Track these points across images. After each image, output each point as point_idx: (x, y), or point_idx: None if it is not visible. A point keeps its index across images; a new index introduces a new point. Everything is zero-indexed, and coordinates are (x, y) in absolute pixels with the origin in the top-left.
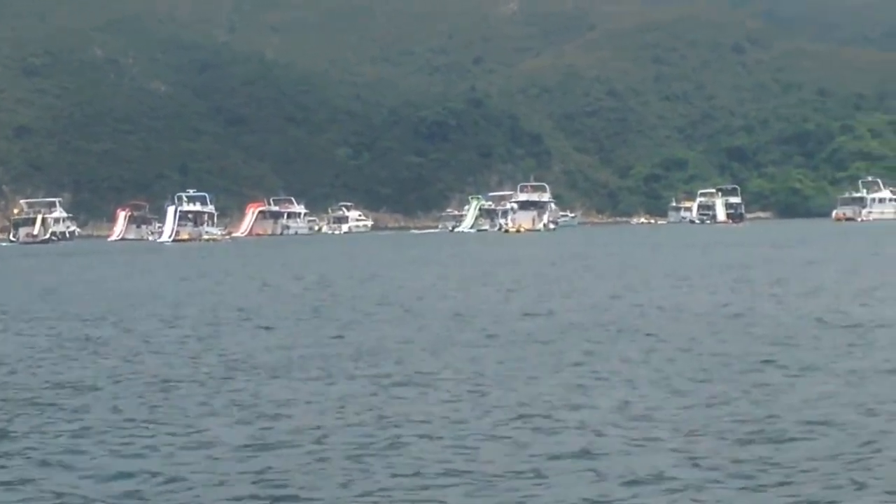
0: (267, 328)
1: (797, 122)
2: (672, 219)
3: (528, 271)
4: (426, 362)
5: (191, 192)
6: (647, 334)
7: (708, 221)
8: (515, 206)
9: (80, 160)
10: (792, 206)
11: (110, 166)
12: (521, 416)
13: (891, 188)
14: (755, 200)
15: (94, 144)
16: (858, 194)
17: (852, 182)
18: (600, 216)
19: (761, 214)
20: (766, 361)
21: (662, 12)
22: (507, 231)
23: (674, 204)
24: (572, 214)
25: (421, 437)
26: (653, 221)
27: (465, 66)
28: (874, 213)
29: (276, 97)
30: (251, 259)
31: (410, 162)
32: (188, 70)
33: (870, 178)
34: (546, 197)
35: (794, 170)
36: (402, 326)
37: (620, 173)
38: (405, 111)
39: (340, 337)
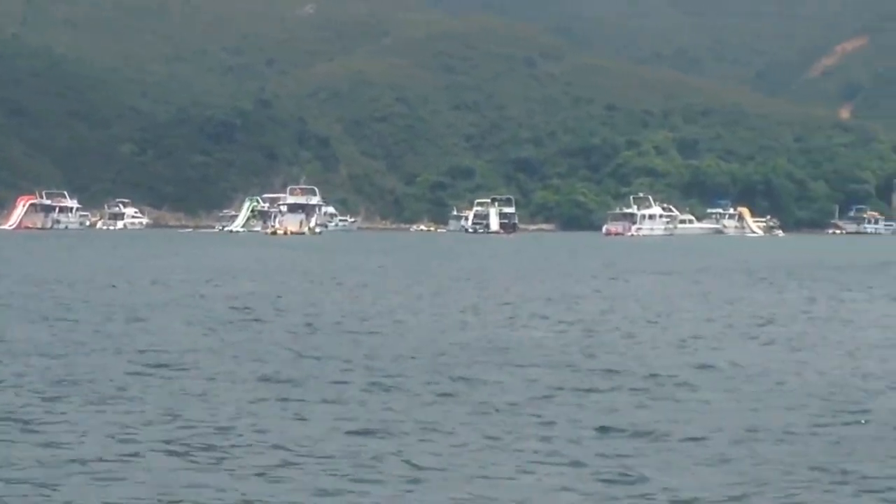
0: None
1: (584, 136)
2: (452, 227)
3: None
4: None
5: None
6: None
7: (481, 230)
8: (284, 208)
9: None
10: (575, 219)
11: None
12: None
13: (664, 205)
14: (539, 212)
15: None
16: (629, 210)
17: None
18: (384, 222)
19: (544, 226)
20: None
21: (457, 22)
22: (273, 233)
23: (455, 213)
24: (351, 219)
25: None
26: (432, 229)
27: (258, 67)
28: (644, 229)
29: (62, 91)
30: None
31: (195, 161)
32: None
33: (641, 195)
34: (315, 200)
35: (578, 183)
36: None
37: (407, 180)
38: (193, 110)
39: None
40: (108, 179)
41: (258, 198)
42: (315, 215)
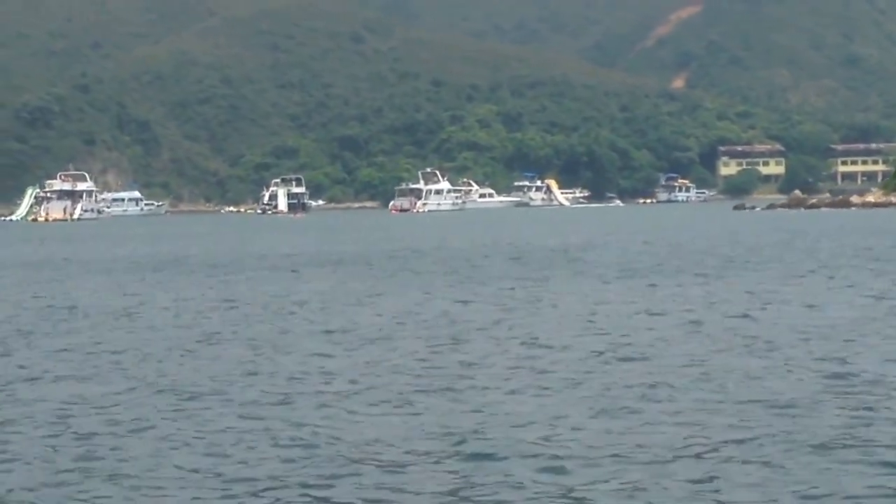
0: None
1: (409, 112)
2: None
3: None
4: None
5: None
6: None
7: (270, 211)
8: (53, 195)
9: None
10: None
11: None
12: None
13: (464, 180)
14: (364, 189)
15: None
16: (416, 186)
17: (460, 172)
18: (208, 204)
19: (368, 204)
20: None
21: (281, 0)
22: (35, 220)
23: (263, 193)
24: (158, 203)
25: None
26: (242, 210)
27: (83, 50)
28: (430, 204)
29: None
30: None
31: (9, 148)
32: None
33: (429, 170)
34: (84, 186)
35: (403, 159)
36: None
37: (231, 161)
38: (8, 96)
39: None
40: None
41: (39, 185)
42: (82, 201)
